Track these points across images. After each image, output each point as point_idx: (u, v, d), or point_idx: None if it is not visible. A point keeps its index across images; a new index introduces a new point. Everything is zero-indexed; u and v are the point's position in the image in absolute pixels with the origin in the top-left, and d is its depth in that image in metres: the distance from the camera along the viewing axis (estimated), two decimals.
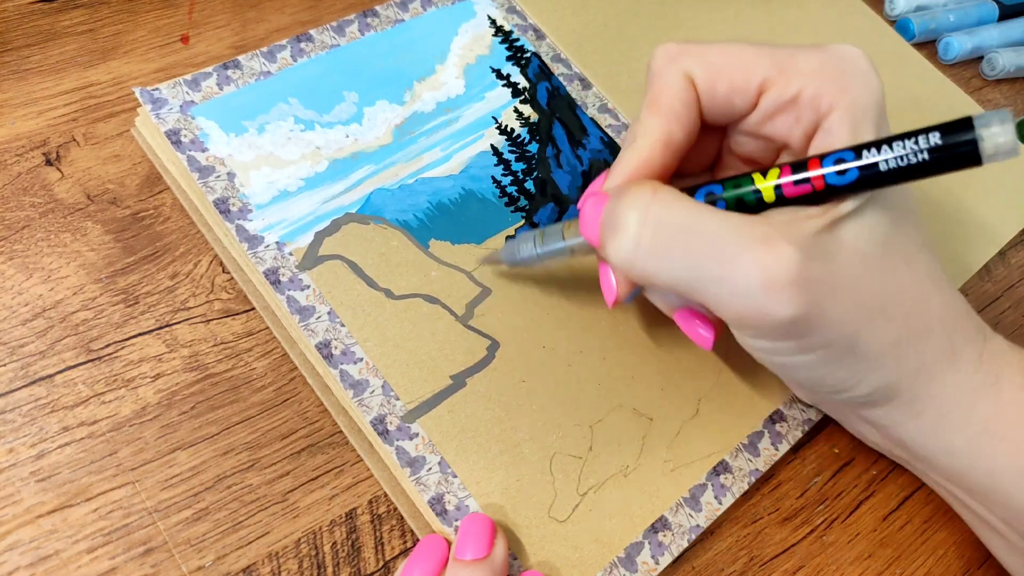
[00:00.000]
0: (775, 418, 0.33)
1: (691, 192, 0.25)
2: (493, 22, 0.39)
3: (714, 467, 0.31)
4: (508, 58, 0.38)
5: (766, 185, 0.24)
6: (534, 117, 0.37)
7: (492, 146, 0.36)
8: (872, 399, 0.27)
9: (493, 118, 0.36)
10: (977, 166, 0.21)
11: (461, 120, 0.36)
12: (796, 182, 0.24)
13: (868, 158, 0.22)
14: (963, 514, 0.32)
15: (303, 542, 0.27)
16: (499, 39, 0.39)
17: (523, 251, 0.30)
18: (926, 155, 0.21)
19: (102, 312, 0.29)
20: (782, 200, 0.24)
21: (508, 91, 0.37)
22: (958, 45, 0.48)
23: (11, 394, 0.27)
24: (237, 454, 0.28)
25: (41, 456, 0.27)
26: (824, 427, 0.34)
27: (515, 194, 0.35)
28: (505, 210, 0.34)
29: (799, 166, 0.24)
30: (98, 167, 0.32)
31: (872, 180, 0.23)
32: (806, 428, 0.33)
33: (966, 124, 0.21)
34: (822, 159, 0.23)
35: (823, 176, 0.23)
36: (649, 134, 0.26)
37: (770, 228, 0.23)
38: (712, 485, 0.31)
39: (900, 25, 0.49)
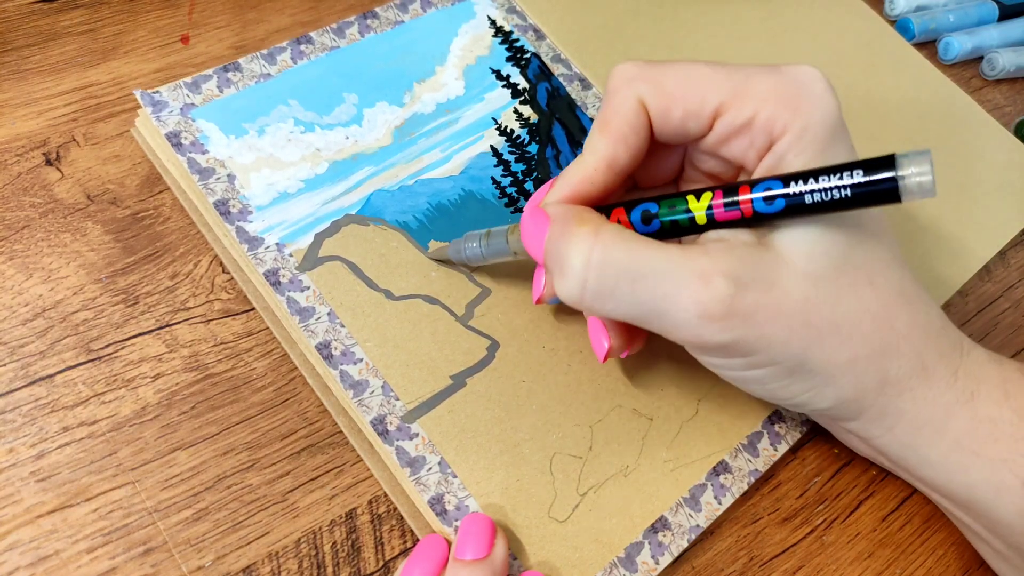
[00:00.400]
0: (774, 419, 0.33)
1: (629, 208, 0.26)
2: (493, 23, 0.39)
3: (714, 467, 0.31)
4: (508, 59, 0.38)
5: (698, 206, 0.25)
6: (534, 118, 0.37)
7: (492, 147, 0.36)
8: (837, 413, 0.27)
9: (493, 119, 0.36)
10: (897, 203, 0.22)
11: (461, 121, 0.36)
12: (726, 206, 0.24)
13: (794, 188, 0.23)
14: (952, 519, 0.32)
15: (303, 542, 0.27)
16: (499, 40, 0.39)
17: (468, 250, 0.30)
18: (848, 191, 0.22)
19: (102, 312, 0.29)
20: (713, 223, 0.25)
21: (508, 92, 0.37)
22: (958, 45, 0.48)
23: (11, 394, 0.27)
24: (237, 454, 0.28)
25: (41, 456, 0.27)
26: (823, 428, 0.34)
27: (515, 195, 0.35)
28: (505, 211, 0.34)
29: (731, 191, 0.24)
30: (98, 167, 0.32)
31: (798, 210, 0.23)
32: (805, 429, 0.33)
33: (888, 163, 0.21)
34: (753, 186, 0.24)
35: (751, 203, 0.24)
36: (595, 153, 0.26)
37: (707, 260, 0.23)
38: (712, 485, 0.31)
39: (900, 25, 0.49)
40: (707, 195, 0.25)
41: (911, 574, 0.32)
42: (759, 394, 0.28)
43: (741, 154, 0.26)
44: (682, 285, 0.23)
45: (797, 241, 0.24)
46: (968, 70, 0.50)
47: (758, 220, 0.24)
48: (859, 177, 0.22)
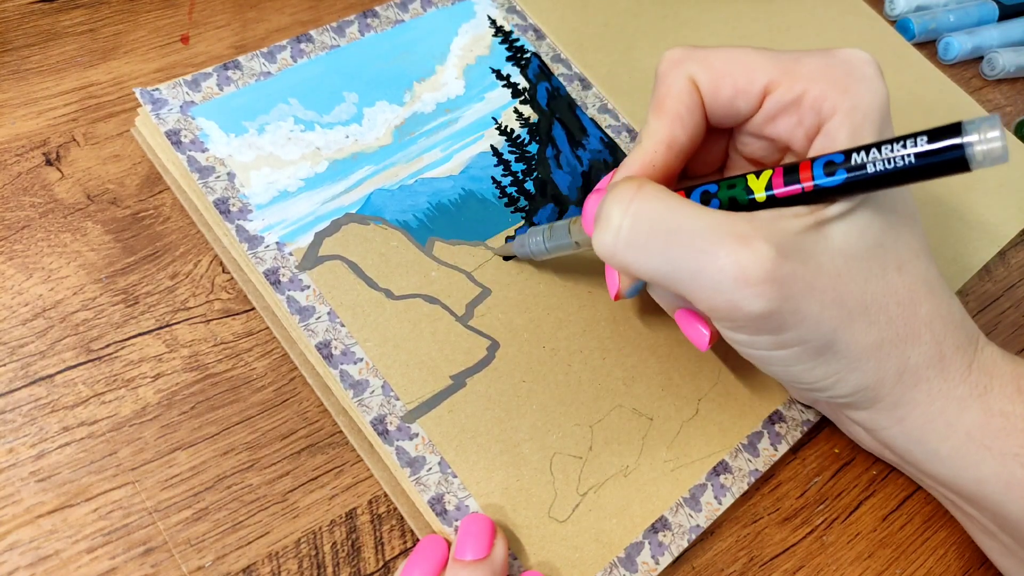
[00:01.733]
0: (774, 419, 0.33)
1: (689, 191, 0.26)
2: (493, 22, 0.39)
3: (714, 467, 0.31)
4: (508, 58, 0.38)
5: (758, 184, 0.24)
6: (534, 118, 0.37)
7: (492, 147, 0.36)
8: (854, 400, 0.27)
9: (493, 119, 0.36)
10: (966, 172, 0.21)
11: (461, 121, 0.36)
12: (787, 183, 0.24)
13: (856, 161, 0.22)
14: (957, 515, 0.32)
15: (303, 542, 0.27)
16: (499, 39, 0.39)
17: (532, 244, 0.31)
18: (913, 159, 0.21)
19: (102, 312, 0.29)
20: (774, 201, 0.24)
21: (508, 91, 0.37)
22: (958, 45, 0.48)
23: (11, 394, 0.27)
24: (237, 454, 0.28)
25: (41, 456, 0.27)
26: (824, 427, 0.34)
27: (515, 194, 0.35)
28: (505, 211, 0.34)
29: (791, 168, 0.24)
30: (98, 167, 0.32)
31: (860, 183, 0.23)
32: (805, 429, 0.33)
33: (954, 130, 0.20)
34: (813, 162, 0.23)
35: (812, 178, 0.23)
36: (653, 136, 0.26)
37: (749, 226, 0.23)
38: (712, 485, 0.31)
39: (900, 25, 0.49)
40: (767, 173, 0.24)
41: (911, 574, 0.32)
42: (780, 376, 0.28)
43: (788, 133, 0.26)
44: (720, 244, 0.23)
45: (836, 219, 0.24)
46: (968, 70, 0.50)
47: (818, 195, 0.24)
48: (924, 145, 0.21)
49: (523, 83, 0.38)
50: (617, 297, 0.28)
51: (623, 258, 0.24)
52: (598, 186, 0.28)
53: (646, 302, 0.33)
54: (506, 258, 0.33)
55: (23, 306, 0.29)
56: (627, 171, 0.26)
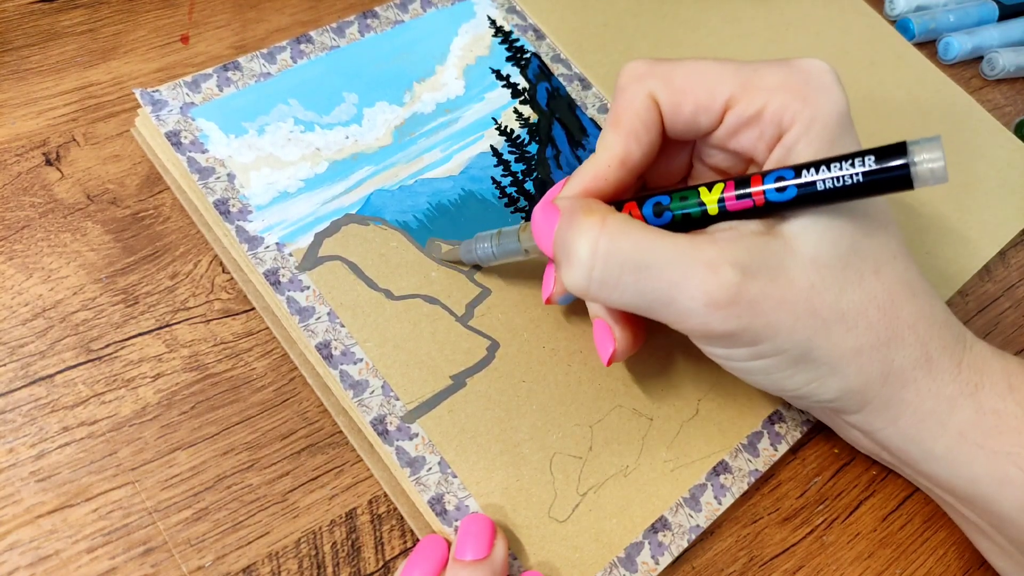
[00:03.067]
0: (774, 419, 0.33)
1: (641, 202, 0.26)
2: (493, 22, 0.39)
3: (714, 467, 0.31)
4: (508, 59, 0.38)
5: (710, 197, 0.25)
6: (534, 118, 0.37)
7: (492, 147, 0.36)
8: (841, 404, 0.27)
9: (493, 119, 0.36)
10: (909, 190, 0.22)
11: (461, 121, 0.36)
12: (738, 197, 0.24)
13: (806, 177, 0.23)
14: (953, 517, 0.32)
15: (303, 542, 0.27)
16: (499, 39, 0.39)
17: (480, 250, 0.30)
18: (860, 177, 0.22)
19: (102, 312, 0.29)
20: (726, 214, 0.25)
21: (508, 92, 0.37)
22: (958, 45, 0.48)
23: (11, 394, 0.27)
24: (237, 454, 0.28)
25: (41, 456, 0.27)
26: (824, 427, 0.34)
27: (515, 195, 0.35)
28: (505, 211, 0.34)
29: (743, 182, 0.24)
30: (98, 167, 0.32)
31: (810, 198, 0.23)
32: (805, 429, 0.33)
33: (900, 149, 0.22)
34: (764, 176, 0.24)
35: (764, 192, 0.24)
36: (608, 150, 0.26)
37: (715, 249, 0.24)
38: (712, 485, 0.31)
39: (900, 25, 0.49)
40: (719, 186, 0.25)
41: (911, 574, 0.32)
42: (763, 385, 0.28)
43: (751, 146, 0.26)
44: (689, 274, 0.23)
45: (805, 230, 0.24)
46: (968, 70, 0.50)
47: (769, 209, 0.24)
48: (871, 164, 0.22)
49: (523, 83, 0.38)
50: (548, 302, 0.29)
51: (596, 295, 0.25)
52: (547, 196, 0.28)
53: None
54: (450, 263, 0.32)
55: (23, 306, 0.29)
56: (579, 183, 0.27)
